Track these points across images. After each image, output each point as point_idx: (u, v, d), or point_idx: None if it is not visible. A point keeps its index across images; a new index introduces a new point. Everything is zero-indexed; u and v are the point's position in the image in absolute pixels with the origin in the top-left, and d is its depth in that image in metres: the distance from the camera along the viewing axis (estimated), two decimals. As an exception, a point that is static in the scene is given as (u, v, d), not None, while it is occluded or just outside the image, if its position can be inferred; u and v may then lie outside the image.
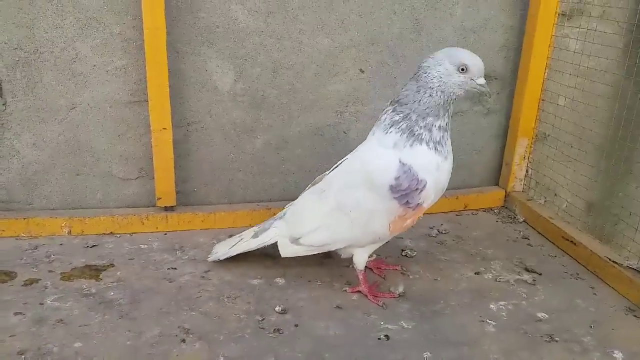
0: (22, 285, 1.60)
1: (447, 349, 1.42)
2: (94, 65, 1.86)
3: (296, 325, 1.49)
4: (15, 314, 1.47)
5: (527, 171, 2.27)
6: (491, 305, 1.62)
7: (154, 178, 1.94)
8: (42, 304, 1.52)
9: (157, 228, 1.96)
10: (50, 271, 1.68)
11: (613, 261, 1.75)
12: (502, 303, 1.63)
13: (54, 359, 1.32)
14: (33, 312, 1.48)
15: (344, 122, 2.13)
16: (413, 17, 2.05)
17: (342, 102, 2.10)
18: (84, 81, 1.87)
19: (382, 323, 1.52)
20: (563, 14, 2.07)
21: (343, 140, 2.14)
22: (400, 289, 1.67)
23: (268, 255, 1.84)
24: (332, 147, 2.14)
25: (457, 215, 2.22)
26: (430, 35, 2.09)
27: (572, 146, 2.06)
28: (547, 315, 1.57)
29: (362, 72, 2.09)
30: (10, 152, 1.89)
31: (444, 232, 2.07)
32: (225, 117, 2.01)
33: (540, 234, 2.07)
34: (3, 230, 1.86)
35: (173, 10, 1.83)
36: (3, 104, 1.85)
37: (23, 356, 1.32)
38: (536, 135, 2.22)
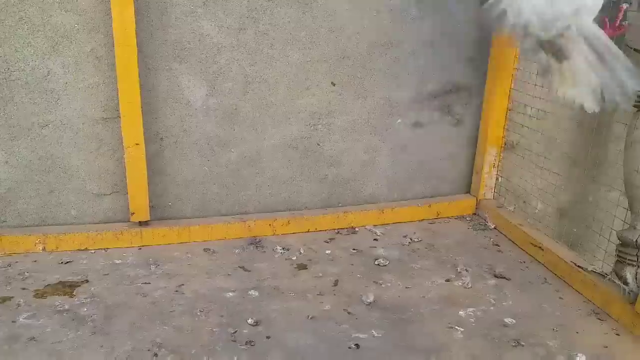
0: (-5, 304, 1.61)
1: (415, 356, 1.45)
2: (66, 83, 1.88)
3: (268, 337, 1.51)
4: (-13, 333, 1.48)
5: (497, 179, 2.33)
6: (460, 312, 1.65)
7: (127, 193, 1.95)
8: (15, 321, 1.52)
9: (131, 243, 1.96)
10: (23, 288, 1.68)
11: (579, 266, 1.80)
12: (470, 309, 1.67)
13: (25, 377, 1.33)
14: (5, 331, 1.48)
15: (317, 134, 2.17)
16: (382, 31, 2.10)
17: (314, 114, 2.14)
18: (56, 99, 1.88)
19: (353, 332, 1.54)
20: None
21: (317, 152, 2.18)
22: (371, 298, 1.70)
23: (244, 268, 1.86)
24: (305, 159, 2.18)
25: (429, 223, 2.27)
26: (398, 47, 2.14)
27: (540, 154, 2.13)
28: (514, 321, 1.62)
29: (334, 85, 2.13)
30: (-18, 170, 1.90)
31: (416, 240, 2.11)
32: (199, 132, 2.03)
33: (510, 240, 2.13)
34: (-24, 249, 1.86)
35: (144, 28, 1.85)
36: (-25, 123, 1.85)
37: (-6, 375, 1.32)
38: (505, 144, 2.28)
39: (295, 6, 1.99)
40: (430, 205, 2.29)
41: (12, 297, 1.64)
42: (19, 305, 1.60)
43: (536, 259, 1.98)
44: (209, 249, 1.97)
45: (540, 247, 1.97)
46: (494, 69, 2.19)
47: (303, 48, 2.05)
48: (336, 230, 2.16)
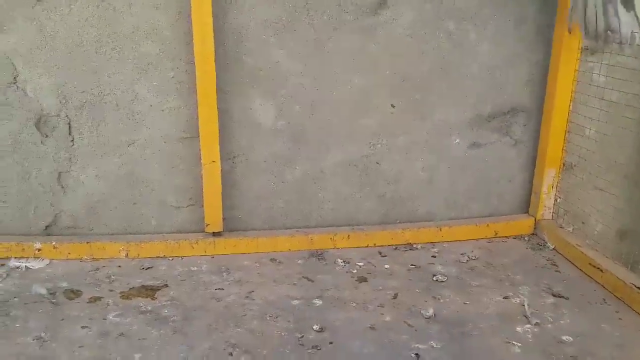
0: (87, 302, 1.79)
1: (474, 367, 1.52)
2: (151, 106, 2.08)
3: (331, 343, 1.61)
4: (82, 327, 1.65)
5: (555, 200, 2.35)
6: (517, 328, 1.70)
7: (203, 206, 2.12)
8: (105, 319, 1.70)
9: (205, 252, 2.13)
10: (111, 290, 1.87)
11: (639, 288, 1.80)
12: (528, 326, 1.71)
13: (117, 368, 1.49)
14: (97, 326, 1.66)
15: (377, 153, 2.27)
16: (440, 55, 2.19)
17: (374, 135, 2.25)
18: (142, 120, 2.09)
19: (413, 343, 1.62)
20: (586, 48, 2.17)
21: (375, 171, 2.28)
22: (431, 312, 1.77)
23: (307, 278, 1.98)
24: (365, 177, 2.28)
25: (487, 242, 2.31)
26: (457, 71, 2.22)
27: (599, 176, 2.14)
28: (572, 339, 1.64)
29: (393, 107, 2.23)
30: (76, 183, 2.12)
31: (474, 258, 2.16)
32: (267, 150, 2.19)
33: (568, 261, 2.14)
34: (69, 253, 2.07)
35: (221, 56, 2.03)
36: (71, 141, 2.08)
37: (91, 365, 1.49)
38: (563, 165, 2.30)
39: (358, 34, 2.12)
40: (488, 225, 2.33)
41: (102, 298, 1.82)
42: (108, 305, 1.78)
43: (595, 280, 1.99)
44: (275, 259, 2.11)
45: (599, 268, 1.98)
46: (553, 90, 2.23)
47: (365, 73, 2.17)
48: (394, 247, 2.24)
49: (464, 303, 1.84)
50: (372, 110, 2.22)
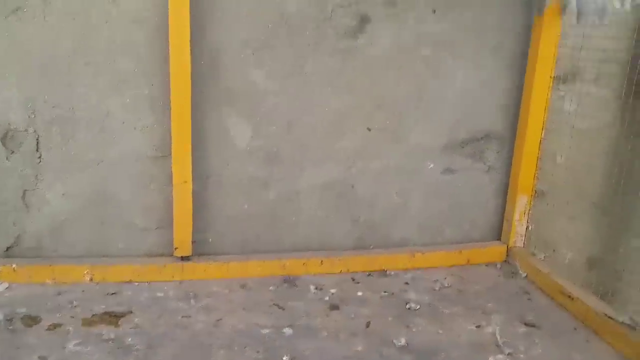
0: (46, 330, 1.71)
1: (446, 401, 1.49)
2: (123, 122, 2.02)
3: (302, 374, 1.57)
4: (40, 357, 1.57)
5: (527, 227, 2.36)
6: (490, 358, 1.68)
7: (172, 229, 2.07)
8: (65, 348, 1.62)
9: (173, 277, 2.07)
10: (72, 317, 1.79)
11: (609, 317, 1.82)
12: (500, 356, 1.70)
13: (75, 401, 1.41)
14: (56, 356, 1.58)
15: (351, 176, 2.26)
16: (416, 80, 2.20)
17: (349, 158, 2.24)
18: (113, 137, 2.03)
19: (384, 374, 1.60)
20: (558, 77, 2.21)
21: (350, 194, 2.27)
22: (403, 341, 1.74)
23: (278, 305, 1.93)
24: (340, 200, 2.26)
25: (460, 269, 2.31)
26: (433, 97, 2.24)
27: (570, 203, 2.16)
28: (543, 370, 1.64)
29: (369, 130, 2.23)
30: (41, 202, 2.04)
31: (447, 285, 2.15)
32: (241, 171, 2.15)
33: (540, 289, 2.15)
34: (30, 277, 1.98)
35: (198, 74, 1.99)
36: (38, 157, 2.00)
37: (47, 398, 1.41)
38: (535, 192, 2.33)
39: (336, 57, 2.11)
40: (461, 252, 2.33)
41: (62, 324, 1.74)
42: (68, 332, 1.71)
43: (566, 308, 2.00)
44: (246, 285, 2.06)
45: (570, 297, 1.99)
46: (525, 118, 2.26)
47: (342, 95, 2.16)
48: (368, 273, 2.22)
49: (437, 332, 1.82)
50: (348, 133, 2.21)
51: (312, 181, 2.22)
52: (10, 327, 1.70)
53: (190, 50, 1.92)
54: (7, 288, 1.93)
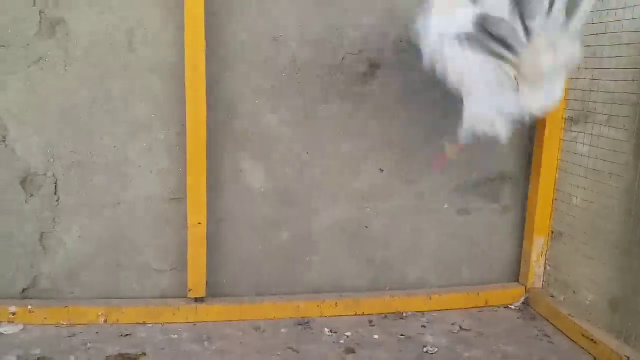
0: (60, 372, 1.70)
1: None
2: (140, 167, 2.07)
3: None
4: (52, 400, 1.56)
5: (545, 268, 2.32)
6: (511, 404, 1.63)
7: (186, 270, 2.07)
8: (77, 391, 1.61)
9: (187, 318, 2.05)
10: (87, 359, 1.78)
11: (634, 361, 1.76)
12: (522, 402, 1.64)
13: None
14: (68, 399, 1.57)
15: (365, 217, 2.26)
16: (429, 122, 2.23)
17: (362, 199, 2.25)
18: (130, 181, 2.07)
19: (402, 420, 1.54)
20: (570, 119, 2.22)
21: (363, 234, 2.26)
22: (421, 385, 1.70)
23: (292, 348, 1.90)
24: (353, 240, 2.26)
25: (478, 311, 2.26)
26: (444, 137, 2.25)
27: (588, 244, 2.13)
28: (568, 416, 1.57)
29: (382, 171, 2.25)
30: (58, 244, 2.07)
31: (465, 328, 2.11)
32: (255, 212, 2.17)
33: (560, 331, 2.09)
34: (45, 318, 1.99)
35: (213, 119, 2.04)
36: (56, 200, 2.05)
37: None
38: (552, 233, 2.30)
39: (347, 101, 2.16)
40: (478, 293, 2.29)
41: (76, 367, 1.73)
42: (81, 375, 1.69)
43: (588, 352, 1.93)
44: (259, 327, 2.03)
45: (592, 340, 1.93)
46: (539, 159, 2.26)
47: (353, 138, 2.19)
48: (383, 315, 2.18)
49: (455, 376, 1.78)
50: (361, 174, 2.23)
51: (325, 222, 2.23)
52: (24, 370, 1.70)
53: (206, 97, 1.97)
54: (22, 330, 1.93)
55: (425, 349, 1.93)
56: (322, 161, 2.19)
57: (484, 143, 2.27)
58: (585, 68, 2.10)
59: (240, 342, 1.92)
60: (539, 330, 2.10)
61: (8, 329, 1.92)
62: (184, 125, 2.00)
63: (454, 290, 2.29)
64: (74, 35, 1.96)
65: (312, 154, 2.17)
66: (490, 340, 2.02)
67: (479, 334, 2.06)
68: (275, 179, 2.16)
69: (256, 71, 2.08)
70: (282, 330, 2.03)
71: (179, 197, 2.09)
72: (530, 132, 2.31)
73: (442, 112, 2.24)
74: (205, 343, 1.91)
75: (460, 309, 2.23)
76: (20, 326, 1.95)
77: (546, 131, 2.22)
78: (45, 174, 2.03)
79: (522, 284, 2.35)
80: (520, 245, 2.39)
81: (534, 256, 2.31)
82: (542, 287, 2.33)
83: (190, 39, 1.92)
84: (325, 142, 2.18)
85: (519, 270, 2.39)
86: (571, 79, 2.17)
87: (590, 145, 2.11)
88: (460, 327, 2.10)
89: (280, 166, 2.16)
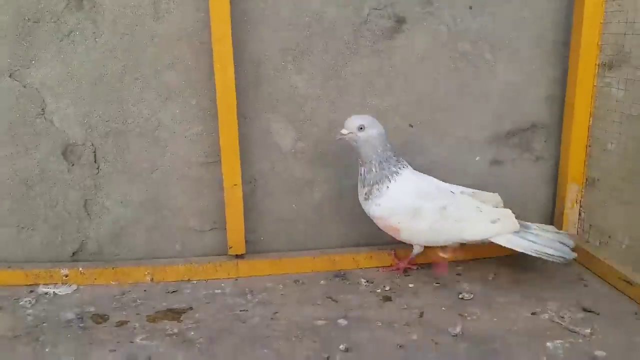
0: (115, 326, 1.80)
1: (506, 384, 1.48)
2: (174, 132, 2.13)
3: (360, 363, 1.60)
4: (111, 351, 1.66)
5: (580, 215, 2.32)
6: (548, 344, 1.66)
7: (225, 229, 2.15)
8: (132, 342, 1.71)
9: (229, 274, 2.14)
10: (137, 314, 1.88)
11: (672, 300, 1.76)
12: (559, 342, 1.67)
13: (145, 390, 1.48)
14: (125, 350, 1.67)
15: (397, 173, 2.27)
16: (456, 77, 2.22)
17: (394, 155, 2.26)
18: (165, 146, 2.14)
19: (441, 361, 1.60)
20: (603, 64, 2.17)
21: (396, 191, 2.28)
22: (458, 329, 1.74)
23: (331, 298, 1.97)
24: (386, 197, 2.28)
25: (512, 258, 2.27)
26: (474, 90, 2.24)
27: (624, 189, 2.11)
28: (605, 354, 1.60)
29: (411, 126, 2.25)
30: (101, 210, 2.16)
31: (500, 274, 2.13)
32: (287, 173, 2.21)
33: (596, 275, 2.10)
34: (95, 279, 2.10)
35: (241, 83, 2.07)
36: (96, 168, 2.13)
37: (119, 387, 1.49)
38: (586, 180, 2.28)
39: (373, 57, 2.16)
40: (512, 241, 2.30)
41: (129, 321, 1.83)
42: (134, 328, 1.79)
43: (625, 294, 1.94)
44: (299, 280, 2.11)
45: (629, 282, 1.94)
46: (572, 106, 2.23)
47: (381, 94, 2.20)
48: (417, 265, 2.23)
49: (492, 320, 1.81)
50: (390, 130, 2.23)
51: (355, 179, 2.25)
52: (82, 325, 1.81)
53: (234, 61, 1.99)
54: (75, 290, 2.05)
55: (460, 296, 1.97)
56: (351, 118, 2.20)
57: (514, 93, 2.27)
58: (620, 11, 2.05)
59: (282, 294, 2.00)
60: (574, 275, 2.12)
61: (63, 290, 2.04)
62: (214, 90, 2.03)
63: (488, 240, 2.31)
64: (101, 8, 2.00)
65: (340, 112, 2.19)
66: (526, 285, 2.04)
67: (514, 280, 2.09)
68: (304, 139, 2.19)
69: (281, 32, 2.09)
70: (321, 282, 2.10)
71: (214, 161, 2.14)
72: (562, 80, 2.27)
73: (473, 65, 2.22)
74: (248, 296, 1.99)
75: (495, 257, 2.25)
76: (74, 287, 2.06)
77: (578, 78, 2.18)
78: (84, 144, 2.10)
79: (557, 232, 2.35)
80: (554, 194, 2.38)
81: (568, 203, 2.30)
82: (577, 234, 2.33)
83: (215, 4, 1.94)
84: (353, 99, 2.19)
85: (553, 218, 2.39)
86: (604, 23, 2.12)
87: (625, 90, 2.07)
88: (495, 275, 2.13)
89: (308, 126, 2.19)
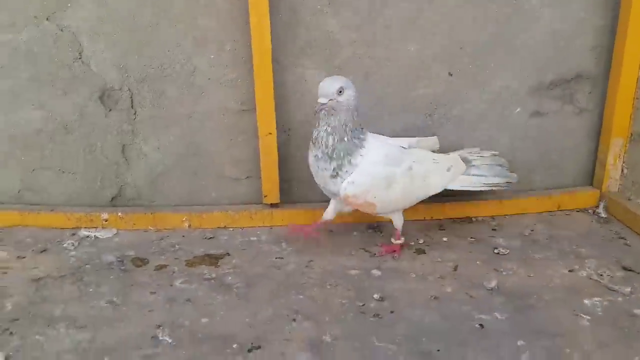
0: (154, 270, 1.86)
1: (541, 338, 1.48)
2: (209, 78, 2.10)
3: (392, 312, 1.61)
4: (151, 293, 1.72)
5: (622, 171, 2.24)
6: (585, 301, 1.65)
7: (260, 178, 2.15)
8: (172, 285, 1.76)
9: (264, 223, 2.17)
10: (176, 258, 1.93)
11: None
12: (597, 299, 1.65)
13: (186, 331, 1.54)
14: (165, 292, 1.72)
15: (433, 124, 2.22)
16: (500, 21, 2.11)
17: (431, 105, 2.20)
18: (201, 92, 2.12)
19: (476, 313, 1.60)
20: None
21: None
22: (493, 284, 1.74)
23: (365, 249, 1.98)
24: (422, 149, 2.24)
25: (550, 215, 2.24)
26: (517, 38, 2.13)
27: (671, 145, 2.03)
28: (645, 312, 1.58)
29: (451, 75, 2.17)
30: (139, 155, 2.18)
31: (537, 231, 2.10)
32: (322, 122, 2.18)
33: (638, 233, 2.05)
34: (134, 224, 2.15)
35: (277, 28, 2.01)
36: (134, 114, 2.14)
37: (161, 327, 1.55)
38: (631, 135, 2.20)
39: (413, 1, 2.06)
40: (550, 197, 2.26)
41: (168, 265, 1.89)
42: (173, 272, 1.85)
43: (668, 253, 1.90)
44: (332, 231, 2.12)
45: (672, 241, 1.89)
46: (620, 57, 2.11)
47: (420, 41, 2.11)
48: (452, 219, 2.21)
49: (528, 275, 1.80)
50: (428, 79, 2.17)
51: (393, 129, 2.21)
52: (123, 268, 1.87)
53: (269, 6, 1.93)
54: (115, 234, 2.11)
55: (496, 251, 1.96)
56: (388, 66, 2.13)
57: (559, 42, 2.15)
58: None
59: (316, 244, 2.02)
60: (614, 233, 2.07)
61: (103, 234, 2.10)
62: (249, 36, 1.98)
63: (525, 195, 2.27)
64: (137, -50, 1.94)
65: (376, 59, 2.12)
66: (563, 242, 2.01)
67: (551, 237, 2.06)
68: (340, 87, 2.14)
69: (318, -26, 2.01)
70: (354, 233, 2.11)
71: (250, 109, 2.12)
72: (611, 29, 2.14)
73: (516, 9, 2.10)
74: (283, 244, 2.02)
75: (533, 213, 2.22)
76: (114, 230, 2.12)
77: (629, 27, 2.06)
78: (121, 89, 2.10)
79: (597, 188, 2.29)
80: (596, 149, 2.30)
81: (610, 159, 2.22)
82: (618, 191, 2.26)
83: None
84: (390, 46, 2.11)
85: (594, 174, 2.32)
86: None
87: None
88: (532, 230, 2.10)
89: (344, 73, 2.12)
